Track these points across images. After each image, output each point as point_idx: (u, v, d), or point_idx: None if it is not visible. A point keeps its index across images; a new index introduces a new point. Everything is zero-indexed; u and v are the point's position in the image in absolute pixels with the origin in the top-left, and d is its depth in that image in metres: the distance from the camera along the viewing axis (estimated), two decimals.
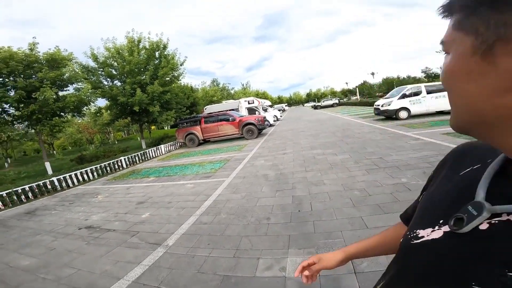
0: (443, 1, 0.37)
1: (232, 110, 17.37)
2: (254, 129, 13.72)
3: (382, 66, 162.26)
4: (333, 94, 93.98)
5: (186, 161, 10.26)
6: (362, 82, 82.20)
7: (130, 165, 11.94)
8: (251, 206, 4.38)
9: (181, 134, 15.16)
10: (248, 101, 20.45)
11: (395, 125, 10.89)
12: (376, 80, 67.38)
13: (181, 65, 16.50)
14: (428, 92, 12.55)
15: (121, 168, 11.41)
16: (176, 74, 16.13)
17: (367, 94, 66.98)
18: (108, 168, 10.97)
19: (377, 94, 57.54)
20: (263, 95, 61.40)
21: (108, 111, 15.32)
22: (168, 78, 15.45)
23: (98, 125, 23.28)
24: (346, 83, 77.83)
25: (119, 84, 14.69)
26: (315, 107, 47.73)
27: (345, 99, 62.26)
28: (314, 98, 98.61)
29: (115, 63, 14.31)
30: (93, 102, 12.82)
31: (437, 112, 13.03)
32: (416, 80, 54.79)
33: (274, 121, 21.81)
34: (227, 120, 14.31)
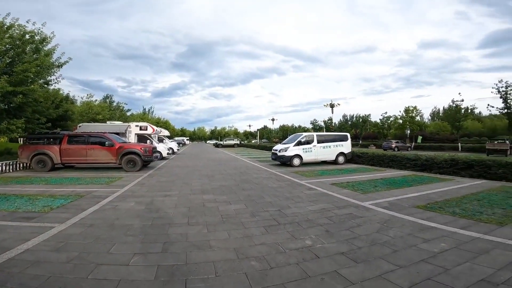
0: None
1: (117, 133, 14.33)
2: (138, 160, 11.27)
3: (281, 113, 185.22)
4: (236, 134, 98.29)
5: (13, 190, 6.95)
6: (263, 126, 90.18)
7: None
8: (79, 278, 2.60)
9: (26, 152, 10.94)
10: (141, 127, 17.77)
11: (290, 172, 11.09)
12: (275, 125, 74.98)
13: (58, 66, 13.13)
14: (318, 142, 13.77)
15: None
16: (43, 74, 12.36)
17: (266, 138, 73.25)
18: None
19: (274, 140, 63.63)
20: (164, 125, 57.23)
21: None
22: (30, 78, 11.58)
23: None
24: (249, 126, 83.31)
25: None
26: (216, 145, 47.66)
27: (246, 141, 65.54)
28: (218, 136, 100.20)
29: None
30: None
31: (322, 161, 14.34)
32: (305, 130, 63.97)
33: (168, 153, 19.47)
34: (102, 144, 11.30)
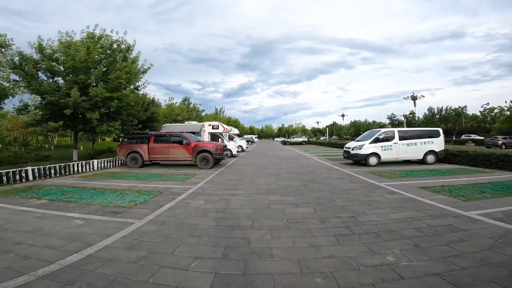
0: None
1: (193, 133, 15.55)
2: (210, 158, 11.91)
3: (351, 109, 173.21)
4: (304, 131, 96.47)
5: (109, 185, 8.07)
6: (332, 123, 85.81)
7: (39, 178, 9.42)
8: (140, 281, 2.62)
9: (123, 151, 12.80)
10: (213, 126, 18.87)
11: (365, 172, 9.98)
12: (346, 122, 70.46)
13: (143, 73, 14.72)
14: (400, 138, 12.03)
15: (23, 180, 8.92)
16: (132, 80, 14.14)
17: (336, 135, 69.45)
18: (4, 178, 8.42)
19: (345, 136, 59.70)
20: (234, 123, 60.40)
21: (37, 110, 12.73)
22: (123, 84, 13.27)
23: (25, 124, 19.77)
24: (317, 122, 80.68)
25: (61, 82, 12.42)
26: (284, 143, 47.59)
27: (314, 138, 63.51)
28: (285, 133, 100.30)
29: (63, 58, 12.12)
30: (13, 96, 10.51)
31: (404, 161, 12.49)
32: (381, 126, 57.99)
33: (237, 151, 20.22)
34: (181, 142, 12.35)
